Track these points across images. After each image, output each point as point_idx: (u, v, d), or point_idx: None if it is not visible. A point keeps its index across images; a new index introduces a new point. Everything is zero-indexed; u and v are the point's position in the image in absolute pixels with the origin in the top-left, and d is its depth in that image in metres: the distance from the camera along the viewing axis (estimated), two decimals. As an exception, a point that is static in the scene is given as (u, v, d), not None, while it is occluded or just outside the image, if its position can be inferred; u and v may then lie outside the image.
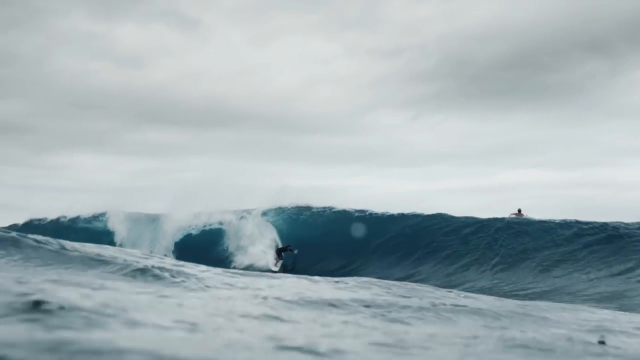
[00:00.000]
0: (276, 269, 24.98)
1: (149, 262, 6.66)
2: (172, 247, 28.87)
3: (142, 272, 6.23)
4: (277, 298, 5.58)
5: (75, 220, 32.71)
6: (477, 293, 13.78)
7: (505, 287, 18.54)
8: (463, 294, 7.78)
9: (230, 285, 6.40)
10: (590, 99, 50.97)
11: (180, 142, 57.15)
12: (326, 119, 57.09)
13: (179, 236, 29.30)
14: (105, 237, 29.52)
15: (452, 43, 53.57)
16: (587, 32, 49.01)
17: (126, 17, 56.79)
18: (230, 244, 28.04)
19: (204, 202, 29.55)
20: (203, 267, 7.31)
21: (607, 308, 11.31)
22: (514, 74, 52.96)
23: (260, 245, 27.23)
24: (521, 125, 53.51)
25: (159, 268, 6.37)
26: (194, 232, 29.42)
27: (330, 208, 29.30)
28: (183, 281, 6.10)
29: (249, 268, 26.08)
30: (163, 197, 30.11)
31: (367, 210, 28.21)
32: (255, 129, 57.19)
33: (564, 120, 53.05)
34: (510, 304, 7.25)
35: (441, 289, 7.93)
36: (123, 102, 57.83)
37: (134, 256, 7.02)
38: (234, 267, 26.81)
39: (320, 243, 26.19)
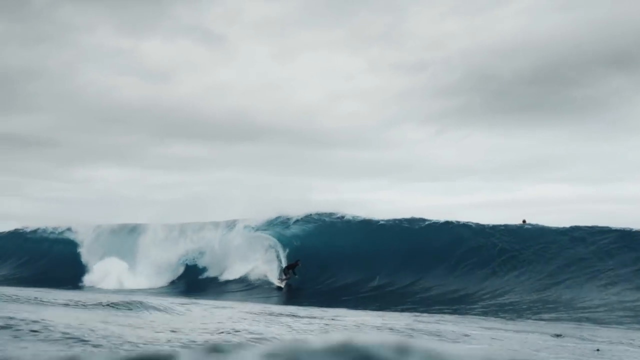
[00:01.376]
0: (282, 285, 23.36)
1: None
2: (162, 261, 27.12)
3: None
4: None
5: (55, 231, 31.23)
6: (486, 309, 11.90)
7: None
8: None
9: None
10: (615, 114, 49.52)
11: (204, 156, 57.07)
12: (350, 134, 56.32)
13: (170, 251, 27.43)
14: (80, 248, 28.08)
15: (476, 58, 52.34)
16: (611, 46, 47.51)
17: (152, 32, 56.92)
18: (225, 255, 26.20)
19: (202, 213, 28.30)
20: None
21: None
22: (538, 89, 51.60)
23: (257, 259, 25.25)
24: (545, 140, 52.17)
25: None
26: (184, 246, 27.52)
27: (334, 215, 27.35)
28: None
29: (246, 282, 24.08)
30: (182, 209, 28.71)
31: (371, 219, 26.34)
32: (279, 143, 56.67)
33: (588, 135, 51.55)
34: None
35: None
36: (148, 117, 57.87)
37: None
38: (226, 281, 24.74)
39: (325, 253, 24.68)
